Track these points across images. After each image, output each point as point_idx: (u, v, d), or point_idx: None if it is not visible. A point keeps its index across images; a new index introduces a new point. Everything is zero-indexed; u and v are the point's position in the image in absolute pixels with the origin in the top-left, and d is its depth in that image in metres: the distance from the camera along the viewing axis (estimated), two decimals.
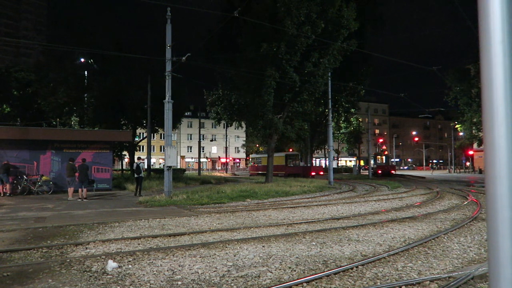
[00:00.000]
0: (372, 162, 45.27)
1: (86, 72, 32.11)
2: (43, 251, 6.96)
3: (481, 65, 1.21)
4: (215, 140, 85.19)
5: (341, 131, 57.76)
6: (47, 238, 8.09)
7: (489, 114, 1.17)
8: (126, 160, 46.34)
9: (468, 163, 67.02)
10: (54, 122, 33.34)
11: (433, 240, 7.84)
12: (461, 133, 55.21)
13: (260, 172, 44.24)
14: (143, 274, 5.51)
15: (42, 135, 19.52)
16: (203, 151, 78.87)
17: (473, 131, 38.21)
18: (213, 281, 5.20)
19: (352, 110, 44.28)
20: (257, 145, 73.02)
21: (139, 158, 18.82)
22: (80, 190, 15.77)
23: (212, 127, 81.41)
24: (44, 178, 18.71)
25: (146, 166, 28.19)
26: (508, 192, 1.14)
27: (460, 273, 5.41)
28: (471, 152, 58.81)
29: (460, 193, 19.53)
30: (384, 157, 48.58)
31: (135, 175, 18.25)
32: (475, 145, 53.58)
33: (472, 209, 13.05)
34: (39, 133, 19.68)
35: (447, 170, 69.69)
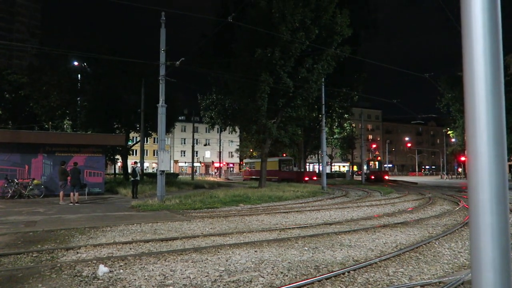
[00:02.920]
0: (365, 167, 45.49)
1: (79, 75, 31.93)
2: (34, 255, 6.90)
3: (463, 74, 1.24)
4: (208, 144, 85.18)
5: (335, 136, 58.01)
6: (37, 243, 8.02)
7: (471, 122, 1.20)
8: (119, 164, 46.11)
9: (460, 169, 67.57)
10: (46, 126, 33.08)
11: (424, 246, 7.89)
12: (453, 139, 55.72)
13: (254, 177, 44.23)
14: (135, 279, 5.48)
15: (34, 138, 19.37)
16: (196, 156, 78.72)
17: (465, 138, 38.51)
18: (204, 286, 5.19)
19: (346, 115, 44.52)
20: (251, 150, 73.01)
21: (135, 163, 19.27)
22: (71, 194, 15.63)
23: (206, 132, 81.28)
24: (35, 182, 18.54)
25: (140, 170, 28.10)
26: (490, 198, 1.17)
27: (450, 278, 5.45)
28: (463, 158, 59.29)
29: (451, 199, 19.67)
30: (377, 163, 48.83)
31: (131, 179, 18.99)
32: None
33: (463, 214, 13.16)
34: (30, 137, 19.52)
35: (439, 176, 70.13)
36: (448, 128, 48.90)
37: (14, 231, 9.22)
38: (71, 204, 15.37)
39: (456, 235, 9.15)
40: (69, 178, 15.75)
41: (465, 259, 6.78)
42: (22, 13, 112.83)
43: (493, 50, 1.20)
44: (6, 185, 17.85)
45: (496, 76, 1.19)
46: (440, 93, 39.80)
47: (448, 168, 70.03)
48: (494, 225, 1.16)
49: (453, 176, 66.10)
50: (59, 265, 6.17)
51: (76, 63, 30.87)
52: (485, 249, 1.18)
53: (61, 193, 15.85)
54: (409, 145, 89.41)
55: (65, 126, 35.91)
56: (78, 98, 32.27)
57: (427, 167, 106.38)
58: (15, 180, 18.11)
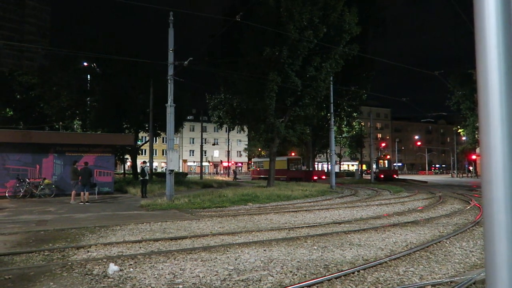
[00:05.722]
0: (374, 166, 45.18)
1: (88, 75, 32.20)
2: (45, 254, 6.98)
3: (477, 69, 1.22)
4: (217, 144, 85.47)
5: (343, 135, 57.73)
6: (48, 241, 8.11)
7: (485, 118, 1.18)
8: (128, 163, 46.47)
9: (471, 168, 66.78)
10: (56, 126, 33.43)
11: (435, 245, 7.81)
12: (463, 138, 55.10)
13: (262, 176, 44.21)
14: (144, 278, 5.51)
15: (45, 138, 19.59)
16: (205, 155, 78.93)
17: (476, 136, 38.23)
18: (214, 285, 5.20)
19: (354, 114, 44.22)
20: (259, 149, 73.00)
21: (144, 162, 19.40)
22: (82, 193, 15.78)
23: (214, 131, 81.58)
24: (46, 181, 18.76)
25: (149, 170, 28.28)
26: (504, 195, 1.14)
27: (461, 277, 5.39)
28: (474, 157, 58.59)
29: (462, 197, 19.46)
30: (386, 162, 48.48)
31: (140, 178, 19.10)
32: (478, 150, 53.45)
33: (475, 213, 13.01)
34: (41, 137, 19.74)
35: (450, 174, 69.42)
36: (459, 126, 48.41)
37: (26, 230, 9.34)
38: (81, 203, 15.52)
39: (468, 234, 9.05)
40: (80, 177, 15.88)
41: (477, 259, 6.70)
42: (32, 15, 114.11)
43: (507, 45, 1.17)
44: (17, 184, 18.09)
45: (510, 71, 1.17)
46: (450, 91, 39.46)
47: (459, 166, 69.24)
48: (509, 223, 1.14)
49: (463, 175, 65.38)
50: (70, 263, 6.23)
51: (85, 63, 31.13)
52: (499, 248, 1.15)
53: (73, 193, 16.02)
54: (418, 143, 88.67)
55: (75, 126, 36.26)
56: (88, 98, 32.54)
57: (437, 165, 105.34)
58: (27, 179, 18.34)
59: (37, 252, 7.07)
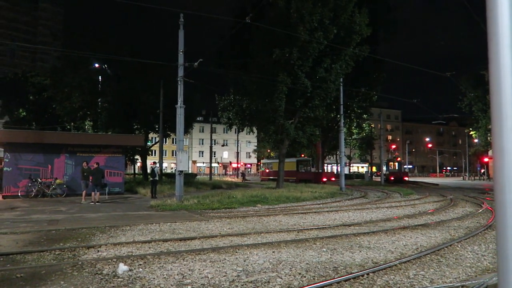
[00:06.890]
0: (384, 168, 44.82)
1: (100, 77, 32.50)
2: (56, 253, 7.05)
3: (489, 70, 1.20)
4: (226, 145, 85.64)
5: (353, 137, 57.42)
6: (59, 241, 8.20)
7: (497, 119, 1.16)
8: (138, 164, 46.84)
9: (483, 170, 65.87)
10: (68, 126, 33.84)
11: (446, 248, 7.72)
12: (475, 140, 54.40)
13: (271, 177, 44.16)
14: (154, 278, 5.54)
15: (57, 139, 19.83)
16: (214, 156, 79.14)
17: (488, 138, 37.75)
18: (222, 286, 5.20)
19: (364, 116, 43.95)
20: (269, 151, 72.91)
21: (154, 163, 19.56)
22: (93, 193, 15.93)
23: (224, 132, 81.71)
24: (58, 181, 18.98)
25: (159, 170, 28.41)
26: None
27: (473, 282, 5.31)
28: (486, 159, 57.77)
29: (474, 200, 19.20)
30: (396, 164, 48.06)
31: (150, 179, 19.32)
32: (490, 152, 52.71)
33: (487, 217, 12.82)
34: (53, 137, 19.99)
35: (461, 177, 68.54)
36: (471, 128, 47.84)
37: (38, 229, 9.45)
38: (92, 203, 15.66)
39: (479, 238, 8.92)
40: (91, 177, 16.04)
41: (488, 263, 6.61)
42: (45, 17, 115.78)
43: None
44: (30, 184, 18.33)
45: None
46: (462, 92, 39.01)
47: (471, 169, 68.33)
48: None
49: (475, 178, 64.52)
50: (80, 263, 6.29)
51: (97, 65, 31.42)
52: None
53: (83, 192, 16.19)
54: (429, 145, 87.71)
55: (86, 127, 36.64)
56: (99, 99, 32.85)
57: (448, 168, 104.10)
58: (39, 179, 18.58)
59: (49, 251, 7.15)
